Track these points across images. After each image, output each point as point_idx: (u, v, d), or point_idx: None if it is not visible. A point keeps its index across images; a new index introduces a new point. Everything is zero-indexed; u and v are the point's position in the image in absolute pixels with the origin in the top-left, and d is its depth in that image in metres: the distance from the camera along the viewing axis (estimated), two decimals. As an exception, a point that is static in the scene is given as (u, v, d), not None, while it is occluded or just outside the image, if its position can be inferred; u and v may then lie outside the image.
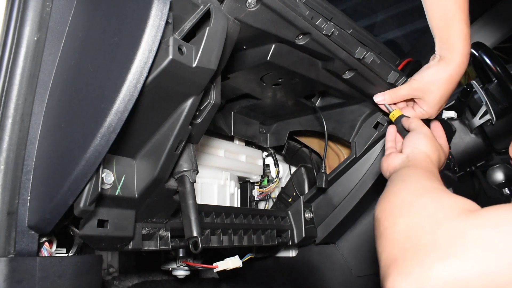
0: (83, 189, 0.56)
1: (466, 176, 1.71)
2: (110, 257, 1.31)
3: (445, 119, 1.48)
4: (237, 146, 1.26)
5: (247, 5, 0.69)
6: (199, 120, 0.71)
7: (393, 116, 1.01)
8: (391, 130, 0.99)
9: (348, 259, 1.25)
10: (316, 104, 1.15)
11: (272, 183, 1.31)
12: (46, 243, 0.65)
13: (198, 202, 0.85)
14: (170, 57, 0.56)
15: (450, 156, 1.31)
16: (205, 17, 0.61)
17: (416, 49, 1.88)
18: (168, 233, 0.81)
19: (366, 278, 1.25)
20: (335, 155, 1.33)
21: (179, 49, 0.57)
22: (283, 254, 1.32)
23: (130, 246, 0.72)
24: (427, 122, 1.05)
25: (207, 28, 0.59)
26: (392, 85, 1.03)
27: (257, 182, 1.31)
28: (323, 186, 1.09)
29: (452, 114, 1.49)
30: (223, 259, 1.02)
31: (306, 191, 1.25)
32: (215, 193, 1.11)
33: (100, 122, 0.53)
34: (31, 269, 0.56)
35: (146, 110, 0.61)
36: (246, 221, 1.02)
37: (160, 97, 0.61)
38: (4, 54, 0.60)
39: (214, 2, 0.64)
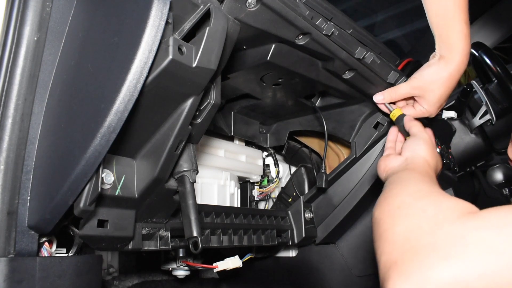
0: (83, 189, 0.56)
1: (466, 176, 1.71)
2: (110, 257, 1.31)
3: (445, 119, 1.48)
4: (237, 146, 1.26)
5: (247, 5, 0.69)
6: (199, 120, 0.71)
7: (394, 115, 1.01)
8: (393, 131, 1.00)
9: (348, 259, 1.25)
10: (316, 104, 1.15)
11: (272, 183, 1.31)
12: (46, 243, 0.65)
13: (198, 202, 0.85)
14: (170, 57, 0.56)
15: (450, 156, 1.31)
16: (205, 17, 0.61)
17: (416, 49, 1.88)
18: (168, 233, 0.81)
19: (366, 278, 1.25)
20: (335, 155, 1.33)
21: (179, 49, 0.57)
22: (283, 254, 1.32)
23: (130, 246, 0.72)
24: (427, 121, 1.05)
25: (207, 28, 0.59)
26: (392, 85, 1.03)
27: (257, 182, 1.31)
28: (323, 186, 1.09)
29: (452, 114, 1.49)
30: (223, 259, 1.02)
31: (306, 191, 1.25)
32: (215, 193, 1.11)
33: (100, 122, 0.53)
34: (31, 269, 0.56)
35: (146, 110, 0.61)
36: (246, 221, 1.02)
37: (160, 97, 0.61)
38: (4, 54, 0.60)
39: (214, 2, 0.64)
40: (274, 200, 1.34)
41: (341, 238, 1.26)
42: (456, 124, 1.50)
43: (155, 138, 0.67)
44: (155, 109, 0.63)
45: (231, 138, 1.25)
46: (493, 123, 1.43)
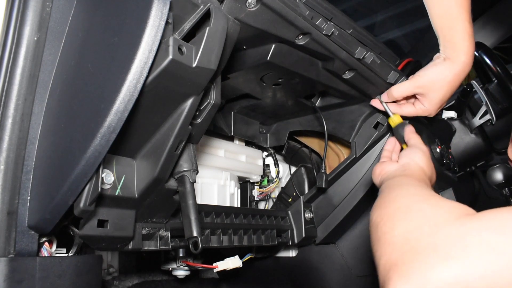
0: (83, 189, 0.56)
1: (466, 176, 1.71)
2: (110, 257, 1.31)
3: (445, 119, 1.48)
4: (237, 146, 1.26)
5: (247, 5, 0.69)
6: (199, 120, 0.71)
7: (393, 121, 1.01)
8: (392, 140, 1.00)
9: (348, 259, 1.25)
10: (316, 104, 1.15)
11: (272, 183, 1.31)
12: (46, 243, 0.65)
13: (198, 202, 0.85)
14: (170, 57, 0.56)
15: (450, 156, 1.31)
16: (205, 17, 0.61)
17: (416, 49, 1.88)
18: (168, 233, 0.81)
19: (366, 278, 1.25)
20: (335, 155, 1.33)
21: (179, 49, 0.57)
22: (283, 254, 1.32)
23: (130, 246, 0.72)
24: (427, 121, 1.05)
25: (207, 28, 0.59)
26: (392, 85, 1.03)
27: (257, 182, 1.31)
28: (323, 186, 1.09)
29: (452, 114, 1.50)
30: (223, 259, 1.02)
31: (306, 191, 1.25)
32: (215, 193, 1.11)
33: (100, 122, 0.53)
34: (31, 269, 0.56)
35: (146, 110, 0.61)
36: (246, 221, 1.02)
37: (160, 97, 0.61)
38: (4, 54, 0.60)
39: (214, 2, 0.64)
40: (274, 200, 1.34)
41: (341, 238, 1.26)
42: (456, 124, 1.50)
43: (155, 138, 0.67)
44: (155, 109, 0.63)
45: (231, 138, 1.25)
46: (493, 123, 1.44)
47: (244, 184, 1.28)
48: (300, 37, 0.81)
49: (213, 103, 0.71)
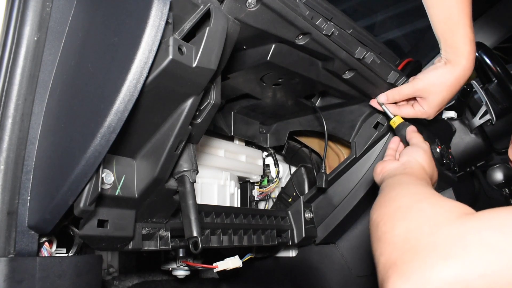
0: (83, 189, 0.56)
1: (466, 176, 1.71)
2: (110, 257, 1.31)
3: (445, 119, 1.48)
4: (237, 146, 1.26)
5: (247, 5, 0.69)
6: (199, 120, 0.71)
7: (394, 122, 1.01)
8: (396, 140, 1.00)
9: (348, 259, 1.25)
10: (316, 104, 1.15)
11: (272, 183, 1.31)
12: (46, 243, 0.65)
13: (198, 202, 0.85)
14: (170, 57, 0.56)
15: (450, 156, 1.31)
16: (205, 17, 0.61)
17: (416, 49, 1.88)
18: (168, 233, 0.81)
19: (366, 278, 1.25)
20: (335, 155, 1.33)
21: (179, 49, 0.57)
22: (283, 254, 1.32)
23: (130, 246, 0.72)
24: (427, 121, 1.05)
25: (207, 28, 0.59)
26: (392, 85, 1.03)
27: (257, 182, 1.31)
28: (323, 186, 1.09)
29: (452, 114, 1.50)
30: (223, 259, 1.02)
31: (306, 191, 1.25)
32: (215, 193, 1.11)
33: (100, 122, 0.53)
34: (31, 269, 0.56)
35: (146, 110, 0.61)
36: (246, 221, 1.02)
37: (160, 97, 0.61)
38: (4, 54, 0.60)
39: (214, 2, 0.64)
40: (274, 200, 1.34)
41: (341, 238, 1.26)
42: (456, 124, 1.50)
43: (155, 138, 0.67)
44: (155, 109, 0.63)
45: (231, 138, 1.25)
46: (493, 123, 1.44)
47: (244, 184, 1.28)
48: (300, 37, 0.81)
49: (213, 103, 0.71)
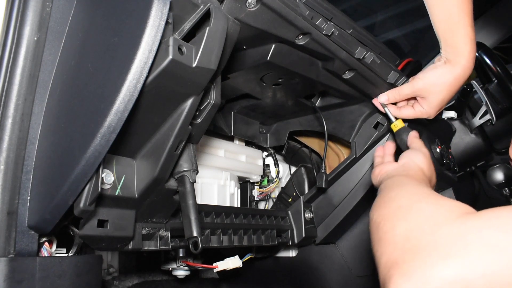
0: (83, 189, 0.56)
1: (466, 176, 1.71)
2: (110, 257, 1.31)
3: (445, 119, 1.48)
4: (237, 146, 1.26)
5: (247, 5, 0.69)
6: (199, 120, 0.71)
7: (395, 126, 1.01)
8: (391, 145, 0.99)
9: (348, 259, 1.25)
10: (316, 104, 1.15)
11: (272, 183, 1.31)
12: (46, 243, 0.65)
13: (198, 202, 0.85)
14: (170, 57, 0.55)
15: (450, 156, 1.31)
16: (205, 17, 0.61)
17: (416, 49, 1.88)
18: (168, 233, 0.81)
19: (366, 278, 1.25)
20: (335, 155, 1.33)
21: (179, 49, 0.57)
22: (283, 254, 1.32)
23: (130, 246, 0.72)
24: (427, 121, 1.05)
25: (207, 28, 0.59)
26: (392, 85, 1.03)
27: (257, 182, 1.31)
28: (323, 186, 1.09)
29: (452, 114, 1.50)
30: (223, 259, 1.02)
31: (306, 191, 1.25)
32: (215, 193, 1.11)
33: (100, 122, 0.53)
34: (31, 269, 0.56)
35: (146, 110, 0.61)
36: (246, 221, 1.02)
37: (160, 97, 0.61)
38: (4, 54, 0.60)
39: (214, 2, 0.64)
40: (274, 200, 1.34)
41: (341, 238, 1.26)
42: (456, 124, 1.50)
43: (155, 138, 0.67)
44: (155, 109, 0.63)
45: (231, 138, 1.25)
46: (493, 123, 1.44)
47: (244, 184, 1.28)
48: (300, 37, 0.81)
49: (213, 103, 0.71)
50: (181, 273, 1.09)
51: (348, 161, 1.15)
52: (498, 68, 1.38)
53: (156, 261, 1.19)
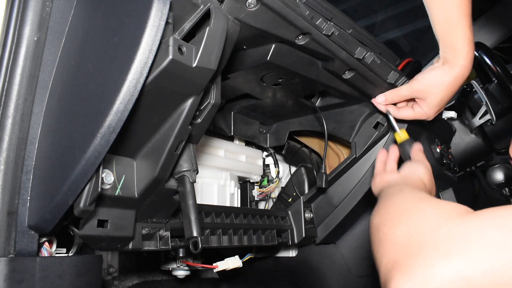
0: (83, 189, 0.56)
1: (466, 176, 1.71)
2: (110, 257, 1.31)
3: (445, 119, 1.49)
4: (237, 146, 1.26)
5: (247, 5, 0.69)
6: (199, 120, 0.71)
7: (399, 137, 1.01)
8: (396, 151, 1.00)
9: (348, 259, 1.25)
10: (316, 104, 1.15)
11: (272, 183, 1.31)
12: (46, 243, 0.65)
13: (198, 202, 0.85)
14: (170, 57, 0.55)
15: (450, 156, 1.31)
16: (205, 17, 0.61)
17: (416, 49, 1.88)
18: (168, 233, 0.81)
19: (366, 278, 1.25)
20: (335, 155, 1.33)
21: (179, 49, 0.57)
22: (283, 254, 1.32)
23: (130, 246, 0.72)
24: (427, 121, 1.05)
25: (207, 28, 0.59)
26: (392, 85, 1.03)
27: (257, 182, 1.31)
28: (323, 186, 1.09)
29: (452, 114, 1.50)
30: (223, 259, 1.02)
31: (306, 191, 1.25)
32: (215, 193, 1.11)
33: (100, 122, 0.53)
34: (31, 269, 0.56)
35: (146, 110, 0.61)
36: (246, 221, 1.02)
37: (160, 97, 0.61)
38: (4, 54, 0.60)
39: (214, 2, 0.64)
40: (274, 200, 1.34)
41: (341, 238, 1.26)
42: (456, 124, 1.50)
43: (155, 138, 0.67)
44: (155, 109, 0.63)
45: (231, 138, 1.25)
46: (493, 123, 1.44)
47: (244, 184, 1.28)
48: (300, 37, 0.81)
49: (213, 103, 0.71)
50: (181, 273, 1.09)
51: (348, 161, 1.15)
52: (498, 68, 1.38)
53: (156, 261, 1.19)
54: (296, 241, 1.15)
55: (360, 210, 1.21)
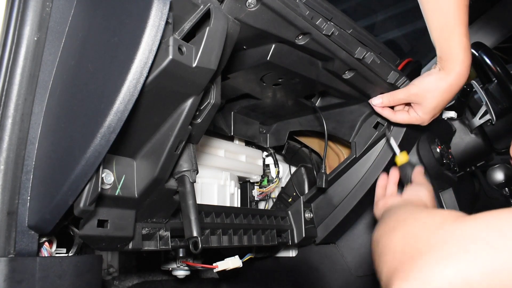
0: (83, 189, 0.56)
1: (466, 176, 1.71)
2: (110, 257, 1.31)
3: (445, 119, 1.49)
4: (237, 146, 1.26)
5: (247, 5, 0.69)
6: (199, 120, 0.71)
7: (399, 160, 1.02)
8: (396, 174, 1.01)
9: (348, 259, 1.25)
10: (316, 104, 1.15)
11: (272, 183, 1.31)
12: (46, 243, 0.65)
13: (198, 202, 0.85)
14: (170, 57, 0.55)
15: (450, 156, 1.31)
16: (205, 17, 0.61)
17: (416, 49, 1.88)
18: (168, 233, 0.81)
19: (366, 278, 1.25)
20: (335, 155, 1.33)
21: (179, 49, 0.57)
22: (283, 254, 1.32)
23: (130, 246, 0.72)
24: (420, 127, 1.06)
25: (207, 28, 0.59)
26: (392, 85, 1.03)
27: (257, 182, 1.31)
28: (323, 186, 1.09)
29: (452, 114, 1.50)
30: (223, 259, 1.02)
31: (306, 191, 1.25)
32: (215, 193, 1.11)
33: (100, 122, 0.53)
34: (31, 269, 0.56)
35: (146, 110, 0.61)
36: (246, 221, 1.02)
37: (160, 97, 0.61)
38: (4, 54, 0.60)
39: (214, 2, 0.64)
40: (274, 200, 1.34)
41: (341, 238, 1.26)
42: (456, 124, 1.50)
43: (155, 138, 0.67)
44: (155, 109, 0.63)
45: (231, 138, 1.25)
46: (493, 123, 1.44)
47: (244, 184, 1.28)
48: (300, 37, 0.81)
49: (213, 103, 0.71)
50: (181, 273, 1.09)
51: (348, 161, 1.15)
52: (498, 68, 1.38)
53: (156, 261, 1.19)
54: (296, 241, 1.15)
55: (360, 210, 1.21)
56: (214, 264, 1.00)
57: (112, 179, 0.66)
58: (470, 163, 1.57)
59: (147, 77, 0.53)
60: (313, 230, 1.18)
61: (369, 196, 1.15)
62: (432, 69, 0.97)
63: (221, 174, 1.15)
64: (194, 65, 0.59)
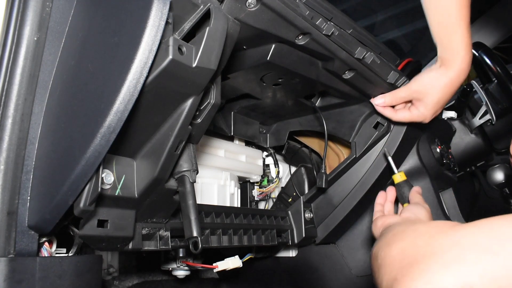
0: (83, 189, 0.56)
1: (466, 176, 1.71)
2: (110, 257, 1.31)
3: (445, 119, 1.49)
4: (237, 146, 1.26)
5: (247, 5, 0.69)
6: (199, 120, 0.71)
7: (397, 179, 1.02)
8: (393, 192, 1.02)
9: (348, 259, 1.25)
10: (316, 104, 1.15)
11: (272, 183, 1.31)
12: (46, 243, 0.65)
13: (198, 202, 0.85)
14: (170, 57, 0.56)
15: (450, 156, 1.31)
16: (205, 17, 0.61)
17: (416, 49, 1.88)
18: (168, 233, 0.81)
19: (366, 278, 1.25)
20: (335, 155, 1.33)
21: (179, 49, 0.57)
22: (283, 254, 1.32)
23: (130, 246, 0.72)
24: (421, 125, 1.06)
25: (207, 28, 0.59)
26: (392, 85, 1.03)
27: (257, 182, 1.31)
28: (323, 186, 1.09)
29: (452, 114, 1.50)
30: (223, 259, 1.02)
31: (306, 191, 1.25)
32: (215, 193, 1.11)
33: (100, 122, 0.53)
34: (31, 269, 0.56)
35: (146, 110, 0.61)
36: (246, 221, 1.02)
37: (160, 97, 0.61)
38: (4, 54, 0.60)
39: (214, 2, 0.64)
40: (274, 200, 1.34)
41: (341, 238, 1.26)
42: (456, 124, 1.50)
43: (155, 138, 0.67)
44: (155, 109, 0.63)
45: (231, 138, 1.25)
46: (493, 123, 1.44)
47: (244, 184, 1.28)
48: (300, 37, 0.81)
49: (213, 103, 0.71)
50: (181, 273, 1.09)
51: (348, 161, 1.15)
52: (498, 68, 1.38)
53: (156, 261, 1.19)
54: (296, 241, 1.15)
55: (360, 210, 1.21)
56: (214, 264, 1.00)
57: (112, 179, 0.66)
58: (470, 163, 1.57)
59: (147, 77, 0.53)
60: (313, 230, 1.18)
61: (369, 196, 1.15)
62: (433, 66, 0.97)
63: (221, 174, 1.15)
64: (194, 65, 0.59)
